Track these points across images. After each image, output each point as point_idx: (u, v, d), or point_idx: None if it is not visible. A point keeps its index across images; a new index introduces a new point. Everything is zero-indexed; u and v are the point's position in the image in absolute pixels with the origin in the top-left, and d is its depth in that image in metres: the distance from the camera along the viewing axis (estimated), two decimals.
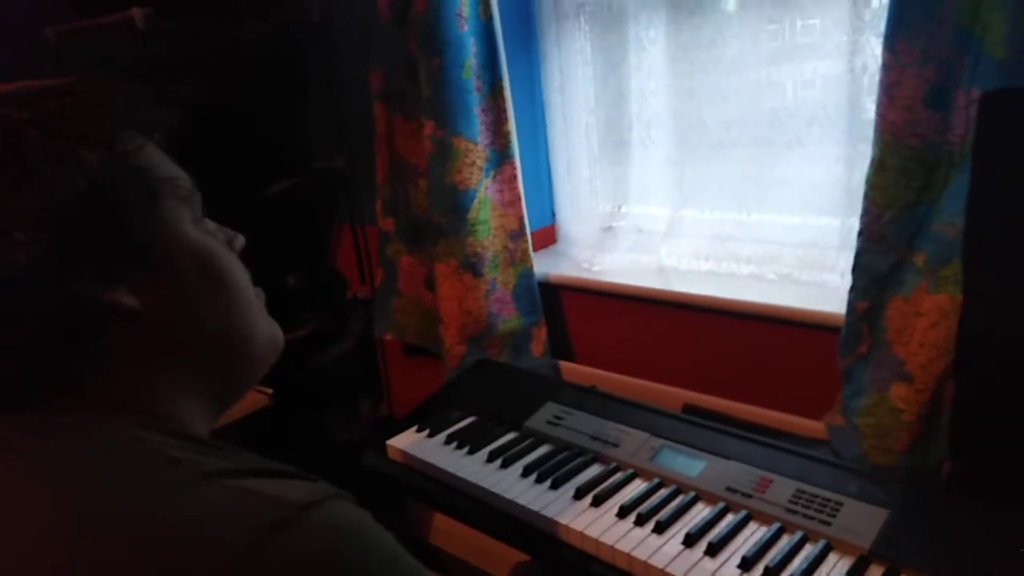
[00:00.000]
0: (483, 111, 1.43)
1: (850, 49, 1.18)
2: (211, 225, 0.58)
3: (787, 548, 0.88)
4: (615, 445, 1.11)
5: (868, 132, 1.13)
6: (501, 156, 1.47)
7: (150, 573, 0.41)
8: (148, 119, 0.56)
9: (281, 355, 0.62)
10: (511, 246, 1.51)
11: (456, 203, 1.45)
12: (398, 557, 0.47)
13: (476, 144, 1.43)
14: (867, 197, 1.05)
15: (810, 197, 1.31)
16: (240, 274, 0.58)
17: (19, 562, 0.44)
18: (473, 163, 1.43)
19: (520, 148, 1.50)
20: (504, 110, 1.44)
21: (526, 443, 1.16)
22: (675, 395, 1.38)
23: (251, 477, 0.46)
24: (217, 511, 0.43)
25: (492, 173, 1.47)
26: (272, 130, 1.74)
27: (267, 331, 0.60)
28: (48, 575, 0.43)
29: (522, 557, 1.09)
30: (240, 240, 0.61)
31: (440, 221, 1.48)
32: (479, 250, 1.47)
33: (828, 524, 0.91)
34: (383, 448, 1.21)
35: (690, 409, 1.34)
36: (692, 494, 1.00)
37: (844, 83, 1.20)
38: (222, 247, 0.57)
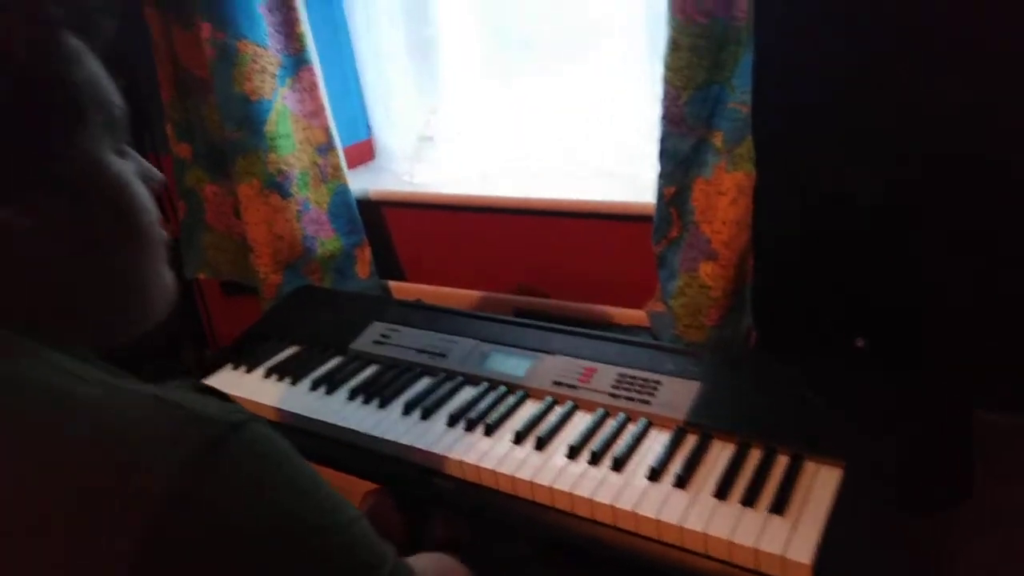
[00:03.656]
0: (268, 10, 1.28)
1: None
2: (132, 155, 0.54)
3: (610, 432, 0.90)
4: (443, 355, 1.08)
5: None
6: (297, 62, 1.34)
7: (74, 495, 0.39)
8: (97, 21, 0.50)
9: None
10: (320, 161, 1.40)
11: (249, 115, 1.31)
12: (319, 486, 0.46)
13: (265, 48, 1.29)
14: (665, 80, 1.05)
15: (616, 91, 1.31)
16: (150, 214, 0.54)
17: None
18: (264, 69, 1.29)
19: (322, 56, 1.38)
20: (294, 9, 1.30)
21: (352, 366, 1.10)
22: (504, 301, 1.37)
23: (173, 390, 0.44)
24: (147, 424, 0.41)
25: (288, 81, 1.34)
26: None
27: (164, 279, 0.57)
28: None
29: (371, 486, 1.05)
30: (159, 177, 0.56)
31: (235, 137, 1.33)
32: (284, 167, 1.35)
33: (647, 403, 0.93)
34: None
35: (520, 313, 1.33)
36: (521, 393, 0.99)
37: None
38: (138, 182, 0.53)
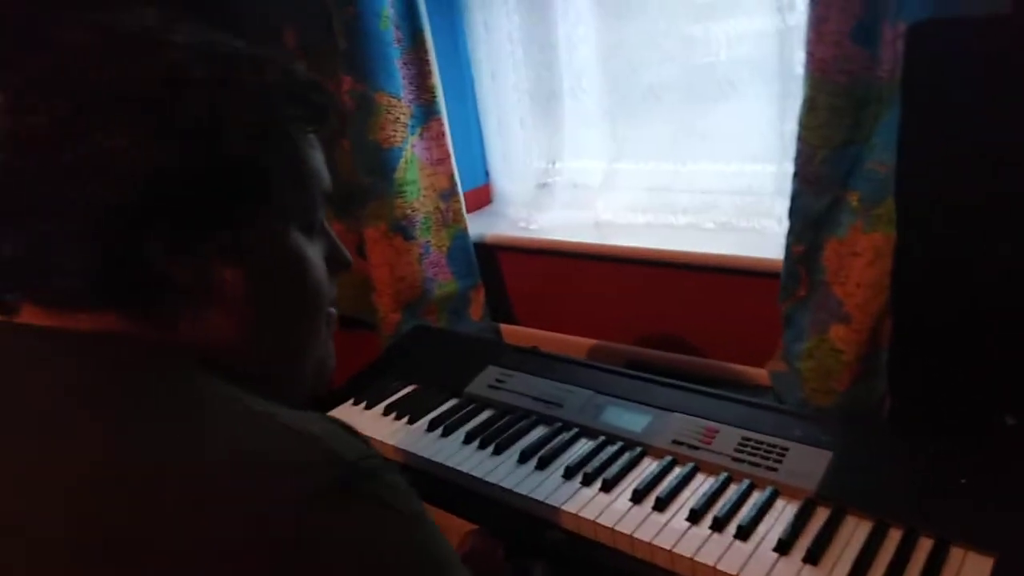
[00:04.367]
0: (404, 64, 1.35)
1: None
2: (326, 235, 0.57)
3: (735, 497, 0.87)
4: (559, 405, 1.08)
5: (800, 77, 1.11)
6: (427, 112, 1.40)
7: (199, 509, 0.39)
8: (322, 112, 0.54)
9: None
10: (443, 207, 1.45)
11: (381, 162, 1.37)
12: (438, 541, 0.46)
13: (399, 99, 1.35)
14: (800, 138, 1.03)
15: (744, 145, 1.30)
16: (324, 298, 0.56)
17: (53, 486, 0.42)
18: (397, 119, 1.35)
19: (447, 103, 1.44)
20: (427, 62, 1.36)
21: (467, 409, 1.12)
22: (619, 351, 1.36)
23: (312, 419, 0.45)
24: (283, 452, 0.42)
25: (418, 130, 1.40)
26: None
27: (318, 355, 0.58)
28: (88, 512, 0.40)
29: (471, 525, 1.05)
30: (346, 262, 0.60)
31: (366, 182, 1.40)
32: (409, 212, 1.41)
33: (775, 470, 0.90)
34: None
35: (634, 364, 1.32)
36: (639, 450, 0.97)
37: (775, 27, 1.18)
38: (319, 261, 0.55)
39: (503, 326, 1.52)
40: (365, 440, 0.48)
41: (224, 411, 0.45)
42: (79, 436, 0.43)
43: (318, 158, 0.55)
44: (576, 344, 1.40)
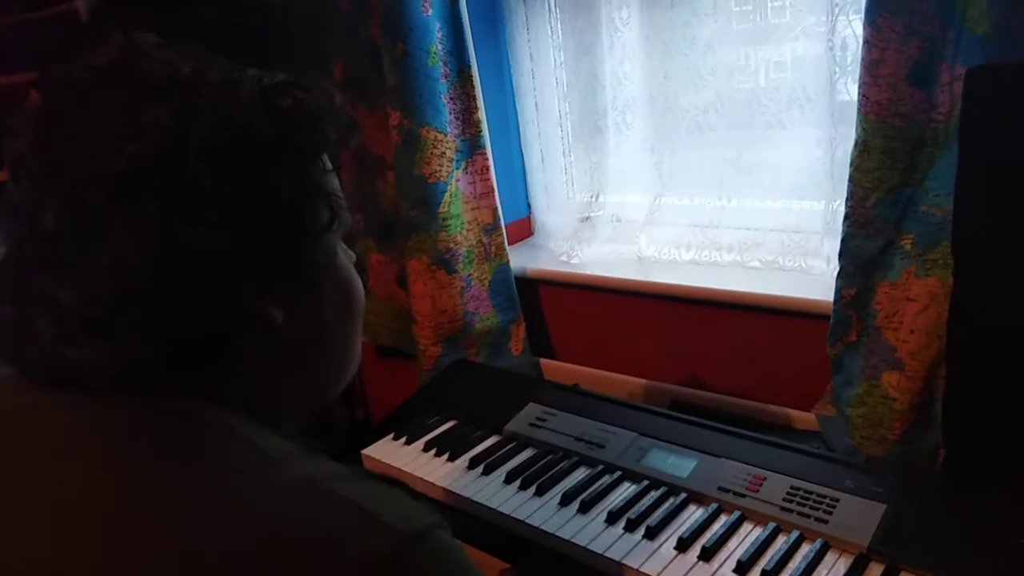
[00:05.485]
0: (451, 99, 1.37)
1: (828, 27, 1.14)
2: (353, 248, 0.59)
3: (783, 549, 0.85)
4: (601, 446, 1.07)
5: (848, 113, 1.10)
6: (472, 146, 1.41)
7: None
8: (347, 136, 0.54)
9: None
10: (485, 240, 1.45)
11: (426, 196, 1.39)
12: None
13: (445, 134, 1.37)
14: (852, 180, 1.01)
15: (791, 181, 1.28)
16: (363, 302, 0.59)
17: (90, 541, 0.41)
18: (443, 154, 1.37)
19: (491, 137, 1.45)
20: (474, 98, 1.38)
21: (508, 447, 1.11)
22: (661, 390, 1.34)
23: (356, 483, 0.45)
24: (325, 522, 0.41)
25: (463, 164, 1.41)
26: None
27: (359, 348, 0.61)
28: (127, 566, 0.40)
29: (505, 564, 1.04)
30: (363, 262, 0.60)
31: (410, 215, 1.42)
32: (452, 245, 1.41)
33: (824, 522, 0.87)
34: (358, 458, 1.15)
35: (677, 405, 1.30)
36: (683, 495, 0.95)
37: (822, 62, 1.17)
38: (355, 273, 0.57)
39: (543, 361, 1.51)
40: (406, 488, 0.48)
41: (268, 478, 0.44)
42: (134, 525, 0.41)
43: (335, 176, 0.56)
44: (617, 381, 1.39)
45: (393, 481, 0.49)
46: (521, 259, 1.54)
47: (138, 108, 0.44)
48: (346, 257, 0.56)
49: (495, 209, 1.45)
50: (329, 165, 0.54)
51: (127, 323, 0.44)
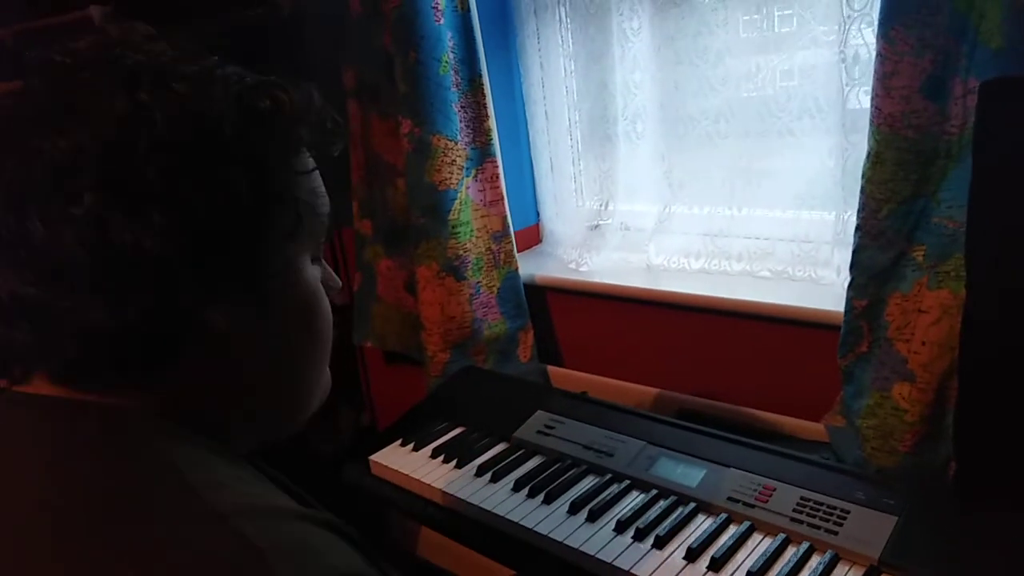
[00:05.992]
0: (462, 108, 1.37)
1: (840, 38, 1.14)
2: (322, 263, 0.56)
3: (793, 561, 0.84)
4: (609, 455, 1.07)
5: (859, 123, 1.10)
6: (482, 154, 1.42)
7: None
8: (328, 139, 0.52)
9: None
10: (495, 248, 1.45)
11: (436, 204, 1.39)
12: None
13: (456, 142, 1.37)
14: (864, 191, 1.01)
15: (802, 190, 1.28)
16: (328, 321, 0.55)
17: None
18: (453, 162, 1.37)
19: (501, 145, 1.45)
20: (484, 106, 1.38)
21: (516, 455, 1.11)
22: (669, 399, 1.33)
23: (276, 524, 0.43)
24: (212, 564, 0.39)
25: (473, 172, 1.42)
26: None
27: (325, 378, 0.58)
28: None
29: (511, 572, 1.04)
30: (337, 286, 0.58)
31: (420, 222, 1.42)
32: (461, 252, 1.42)
33: (835, 533, 0.87)
34: (366, 463, 1.15)
35: (685, 413, 1.29)
36: (692, 505, 0.95)
37: (834, 73, 1.16)
38: (323, 292, 0.55)
39: (551, 368, 1.51)
40: (351, 536, 0.46)
41: (178, 507, 0.42)
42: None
43: (320, 179, 0.54)
44: (625, 390, 1.39)
45: (340, 526, 0.46)
46: (530, 266, 1.54)
47: (101, 96, 0.44)
48: (314, 272, 0.54)
49: (504, 217, 1.45)
50: (308, 166, 0.51)
51: (57, 310, 0.43)
